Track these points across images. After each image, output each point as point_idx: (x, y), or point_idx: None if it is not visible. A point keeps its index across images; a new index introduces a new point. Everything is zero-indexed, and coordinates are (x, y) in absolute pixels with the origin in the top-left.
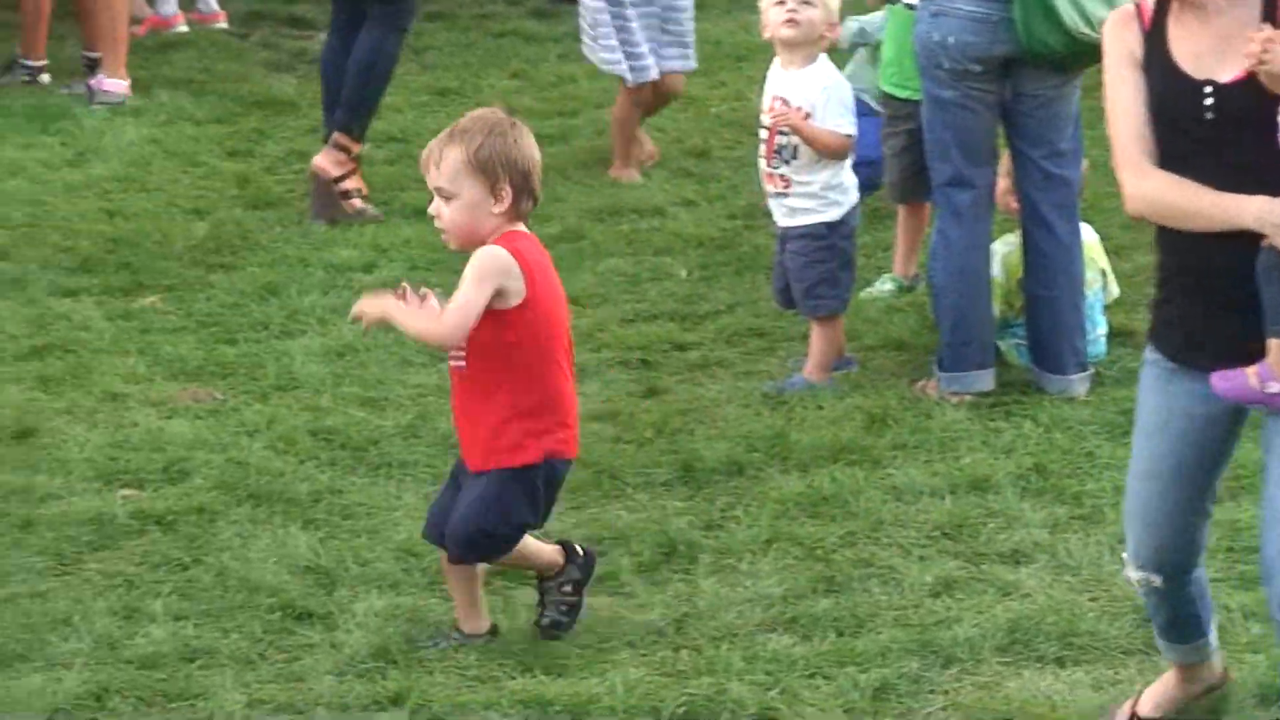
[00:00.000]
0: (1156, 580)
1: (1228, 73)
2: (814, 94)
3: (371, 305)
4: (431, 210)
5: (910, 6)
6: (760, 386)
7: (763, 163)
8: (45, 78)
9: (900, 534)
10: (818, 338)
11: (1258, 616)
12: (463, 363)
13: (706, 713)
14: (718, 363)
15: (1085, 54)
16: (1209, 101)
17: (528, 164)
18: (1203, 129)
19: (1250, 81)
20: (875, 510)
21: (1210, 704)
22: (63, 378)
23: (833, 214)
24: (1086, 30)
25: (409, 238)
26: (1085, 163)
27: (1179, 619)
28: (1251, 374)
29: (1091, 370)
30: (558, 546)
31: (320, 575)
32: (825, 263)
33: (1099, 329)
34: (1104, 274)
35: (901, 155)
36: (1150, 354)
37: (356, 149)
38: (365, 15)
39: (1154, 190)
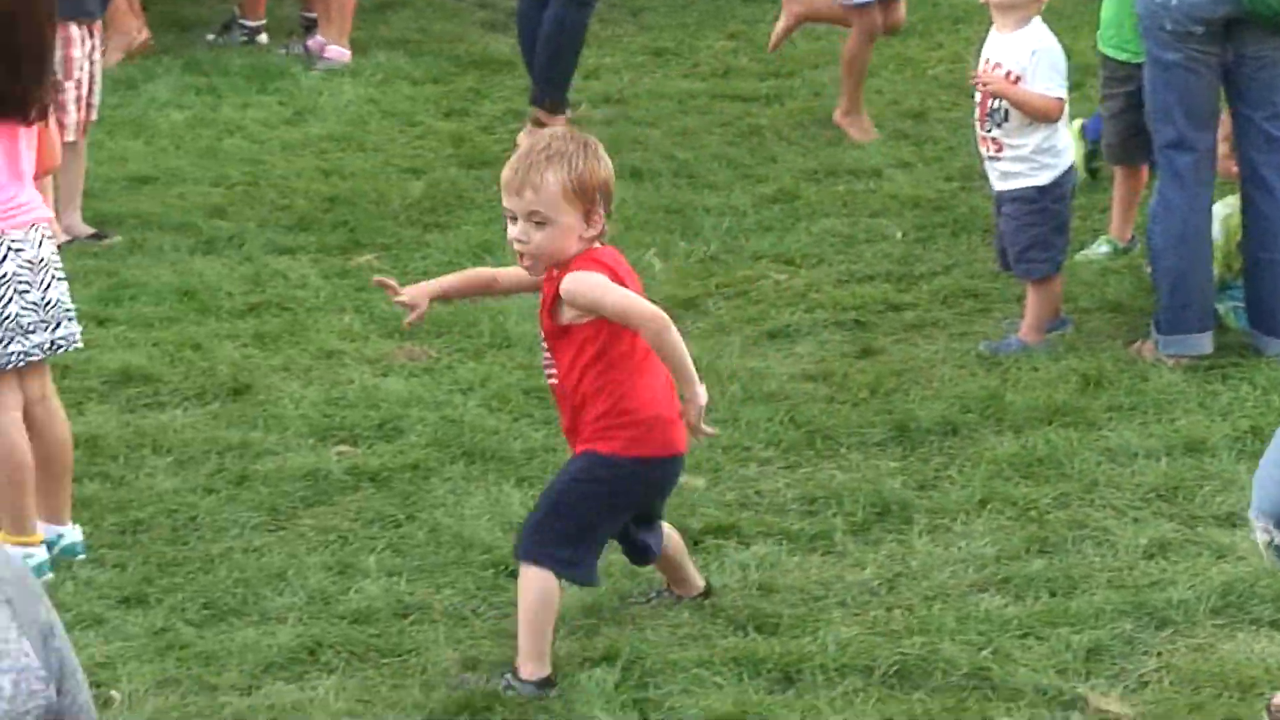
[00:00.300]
0: None
1: None
2: (1024, 57)
3: None
4: (516, 234)
5: None
6: (975, 347)
7: (977, 126)
8: (263, 38)
9: (1114, 496)
10: (1033, 299)
11: None
12: (553, 378)
13: (919, 672)
14: (933, 323)
15: None
16: None
17: (612, 185)
18: None
19: None
20: (1090, 472)
21: None
22: (279, 335)
23: (1044, 178)
24: None
25: (624, 198)
26: None
27: None
28: None
29: None
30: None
31: None
32: (1038, 226)
33: None
34: None
35: (1119, 117)
36: None
37: (553, 121)
38: None
39: None
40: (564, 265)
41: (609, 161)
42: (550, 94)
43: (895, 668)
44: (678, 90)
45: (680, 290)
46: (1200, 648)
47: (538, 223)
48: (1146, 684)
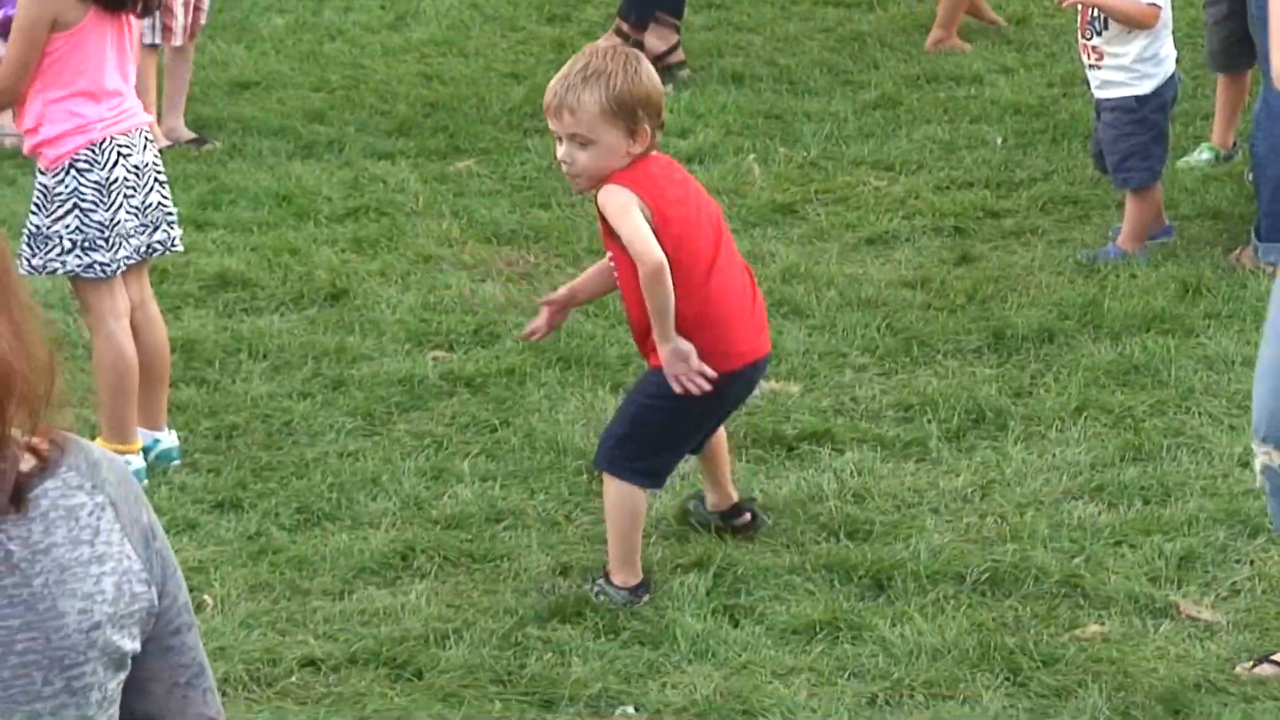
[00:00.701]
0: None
1: None
2: None
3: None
4: (562, 155)
5: None
6: (1074, 254)
7: (1078, 33)
8: None
9: (1211, 403)
10: (1132, 207)
11: None
12: (616, 288)
13: (1011, 579)
14: (1031, 230)
15: None
16: None
17: (660, 96)
18: None
19: None
20: (1186, 379)
21: None
22: (377, 240)
23: (1144, 87)
24: None
25: (725, 103)
26: None
27: None
28: None
29: None
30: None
31: None
32: (1136, 136)
33: None
34: None
35: (1222, 24)
36: None
37: (639, 35)
38: None
39: None
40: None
41: (653, 75)
42: (636, 8)
43: (987, 575)
44: None
45: (780, 195)
46: None
47: (581, 144)
48: (1239, 592)
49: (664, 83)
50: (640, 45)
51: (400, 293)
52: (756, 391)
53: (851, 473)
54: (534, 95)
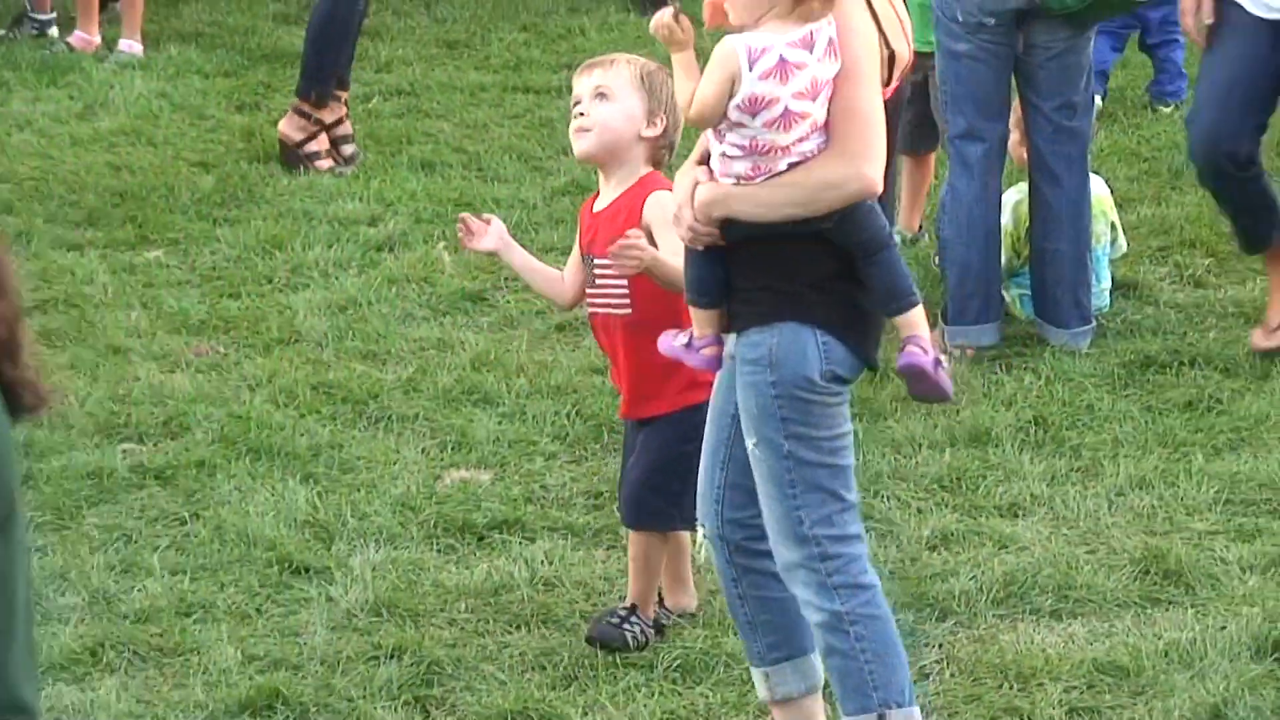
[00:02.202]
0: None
1: None
2: None
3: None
4: (580, 109)
5: None
6: None
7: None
8: (54, 31)
9: (899, 487)
10: None
11: (1255, 569)
12: (628, 309)
13: (701, 665)
14: None
15: (1098, 8)
16: None
17: (680, 114)
18: None
19: None
20: (874, 464)
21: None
22: (65, 332)
23: None
24: None
25: (414, 191)
26: (1098, 104)
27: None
28: None
29: (1094, 324)
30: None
31: (318, 529)
32: None
33: (1103, 283)
34: (1113, 227)
35: (907, 107)
36: None
37: (320, 113)
38: None
39: None
40: (640, 182)
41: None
42: (316, 85)
43: (678, 662)
44: (469, 83)
45: (469, 283)
46: (981, 639)
47: (601, 95)
48: (927, 675)
49: (333, 164)
50: (322, 124)
51: (89, 385)
52: (446, 480)
53: (542, 561)
54: (223, 184)
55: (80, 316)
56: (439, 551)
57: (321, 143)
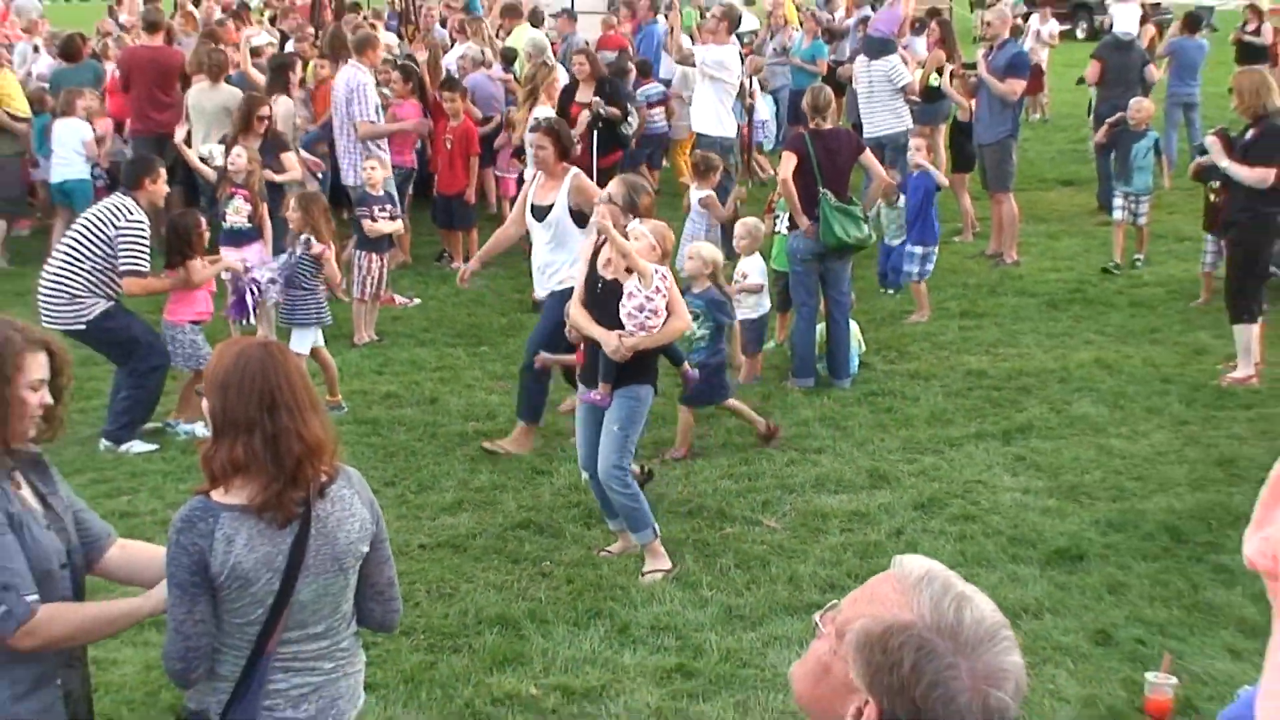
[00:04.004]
0: None
1: None
2: None
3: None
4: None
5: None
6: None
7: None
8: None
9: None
10: None
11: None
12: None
13: None
14: None
15: (847, 249)
16: None
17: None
18: None
19: None
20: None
21: None
22: None
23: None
24: (853, 236)
25: None
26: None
27: None
28: None
29: (851, 377)
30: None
31: None
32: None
33: (855, 360)
34: (860, 341)
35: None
36: None
37: None
38: None
39: None
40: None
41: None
42: None
43: None
44: None
45: None
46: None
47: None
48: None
49: None
50: None
51: None
52: None
53: None
54: None
55: None
56: None
57: None
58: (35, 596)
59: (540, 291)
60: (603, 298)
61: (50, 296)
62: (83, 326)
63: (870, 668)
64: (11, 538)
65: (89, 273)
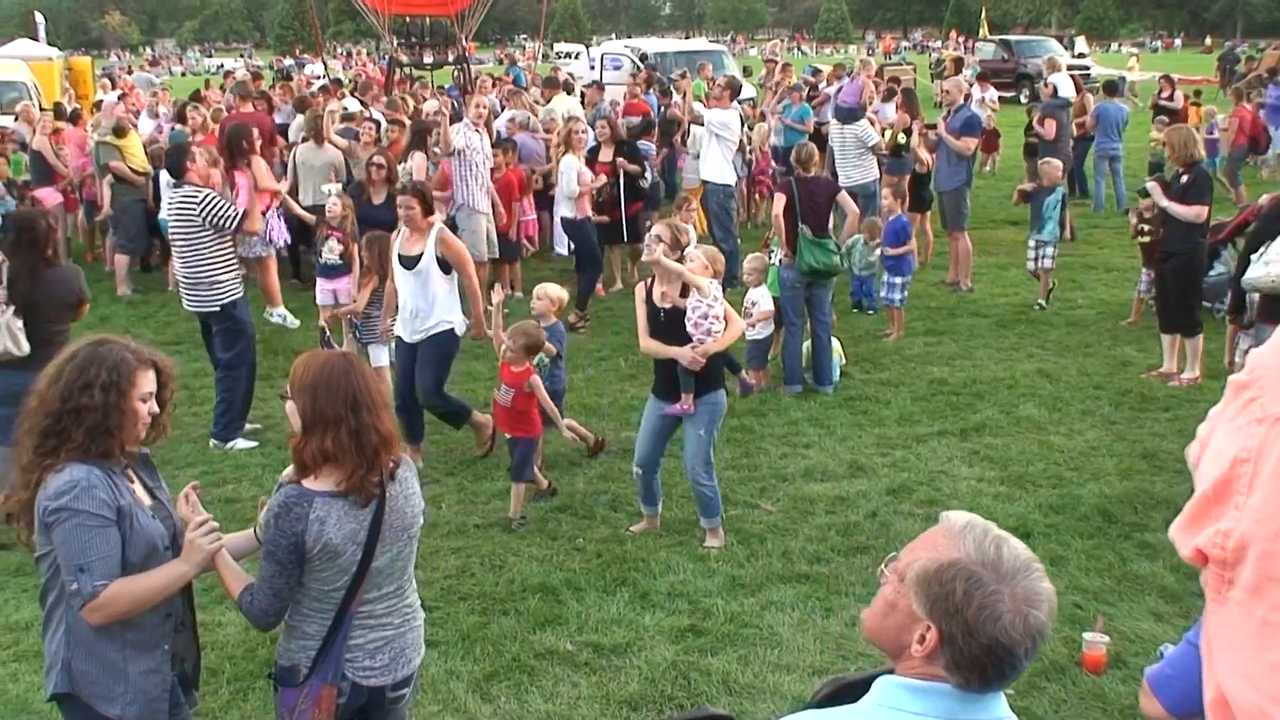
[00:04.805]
0: None
1: None
2: None
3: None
4: None
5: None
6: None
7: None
8: None
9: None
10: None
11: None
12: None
13: None
14: None
15: (825, 273)
16: None
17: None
18: None
19: None
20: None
21: None
22: None
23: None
24: (822, 264)
25: None
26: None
27: None
28: None
29: (835, 383)
30: None
31: None
32: None
33: (838, 370)
34: (841, 354)
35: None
36: None
37: None
38: None
39: None
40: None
41: None
42: None
43: None
44: None
45: None
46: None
47: None
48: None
49: None
50: None
51: None
52: None
53: None
54: None
55: None
56: None
57: None
58: (104, 582)
59: (409, 336)
60: (667, 324)
61: (191, 283)
62: (217, 309)
63: (929, 598)
64: (114, 530)
65: (210, 258)
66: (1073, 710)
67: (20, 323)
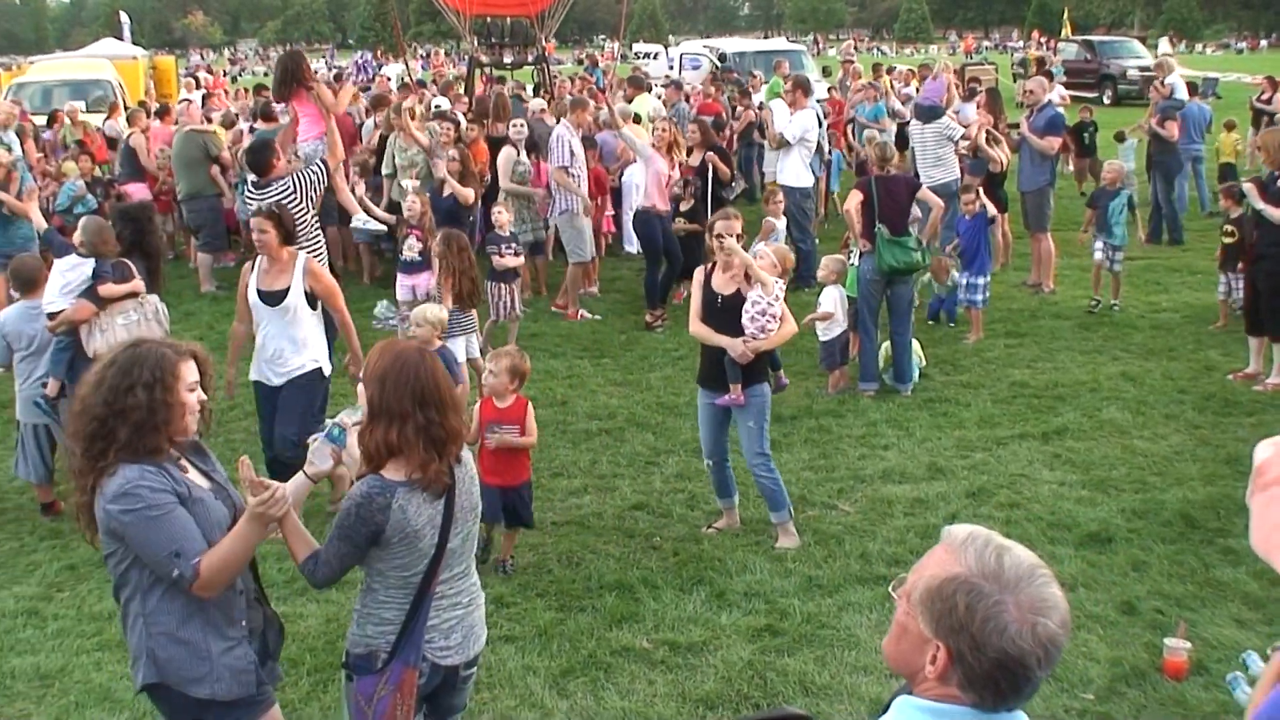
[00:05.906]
0: None
1: None
2: None
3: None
4: None
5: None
6: None
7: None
8: None
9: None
10: None
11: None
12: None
13: None
14: None
15: (904, 271)
16: None
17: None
18: None
19: None
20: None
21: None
22: None
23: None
24: (901, 262)
25: None
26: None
27: None
28: None
29: (912, 384)
30: None
31: None
32: None
33: (916, 370)
34: (921, 355)
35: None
36: None
37: None
38: None
39: None
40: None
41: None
42: None
43: None
44: None
45: None
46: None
47: None
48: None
49: None
50: None
51: None
52: None
53: None
54: None
55: None
56: None
57: None
58: (198, 559)
59: (274, 379)
60: (723, 311)
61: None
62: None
63: (934, 616)
64: (182, 511)
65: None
66: (1153, 716)
67: (165, 308)
